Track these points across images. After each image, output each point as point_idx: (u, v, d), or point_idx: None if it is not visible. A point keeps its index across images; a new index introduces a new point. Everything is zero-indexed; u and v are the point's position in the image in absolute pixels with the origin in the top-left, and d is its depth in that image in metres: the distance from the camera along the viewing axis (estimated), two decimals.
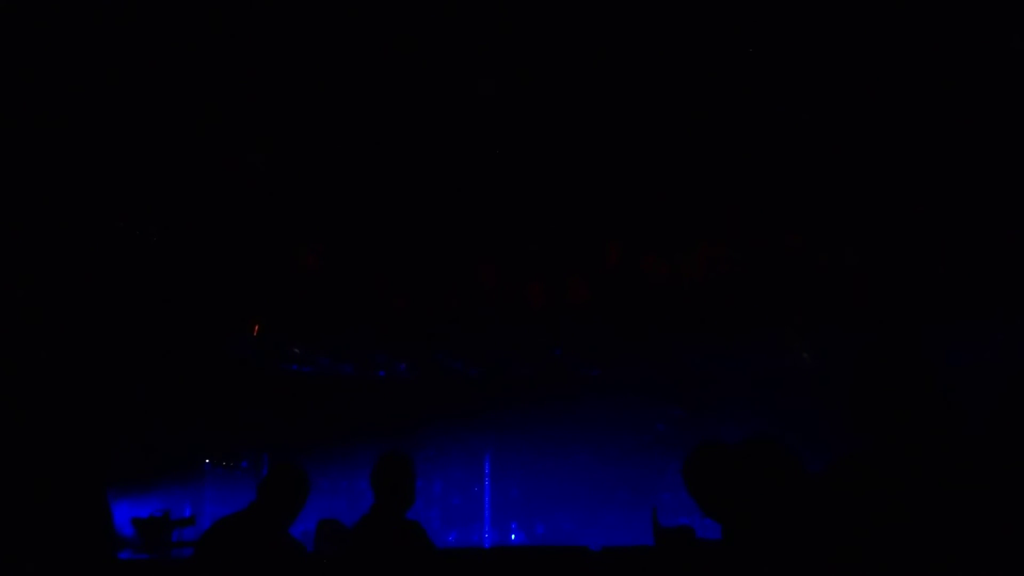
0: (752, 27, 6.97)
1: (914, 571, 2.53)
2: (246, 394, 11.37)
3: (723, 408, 11.32)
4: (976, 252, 9.00)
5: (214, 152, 8.02)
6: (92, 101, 6.92)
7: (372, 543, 4.08)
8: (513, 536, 12.37)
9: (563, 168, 8.62)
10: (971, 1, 6.62)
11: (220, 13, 6.58)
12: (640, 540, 7.58)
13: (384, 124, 7.84)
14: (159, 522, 7.45)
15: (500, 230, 9.52)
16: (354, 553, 4.21)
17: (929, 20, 6.73)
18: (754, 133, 8.15)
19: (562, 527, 12.24)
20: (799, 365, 11.24)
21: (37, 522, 3.66)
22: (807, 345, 10.86)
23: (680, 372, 12.24)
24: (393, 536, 4.12)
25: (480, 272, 10.08)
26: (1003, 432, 2.94)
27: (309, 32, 6.88)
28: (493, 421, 12.42)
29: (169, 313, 9.49)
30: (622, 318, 10.54)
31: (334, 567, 4.79)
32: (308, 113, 7.65)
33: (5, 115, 6.48)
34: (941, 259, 9.19)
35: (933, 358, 2.93)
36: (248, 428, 11.61)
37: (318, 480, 12.26)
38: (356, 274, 9.91)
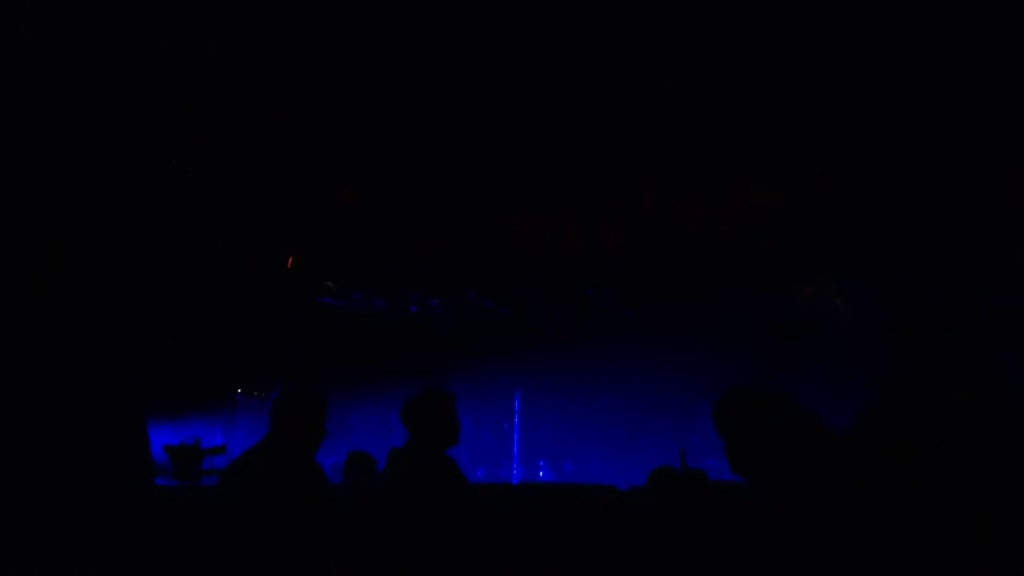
0: None
1: (937, 536, 2.63)
2: (280, 328, 11.55)
3: (755, 353, 11.38)
4: (1011, 202, 8.96)
5: (257, 96, 8.13)
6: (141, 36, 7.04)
7: (406, 476, 4.20)
8: (541, 474, 12.58)
9: (598, 113, 8.63)
10: None
11: None
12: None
13: (421, 74, 7.88)
14: (190, 449, 7.61)
15: (536, 173, 9.56)
16: (386, 484, 4.34)
17: None
18: (788, 76, 8.11)
19: (590, 467, 12.42)
20: (832, 312, 11.27)
21: (79, 447, 3.79)
22: (840, 292, 10.88)
23: (713, 316, 12.29)
24: (428, 470, 4.24)
25: (515, 214, 10.14)
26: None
27: None
28: (524, 360, 12.55)
29: (210, 245, 9.66)
30: (656, 262, 10.59)
31: (363, 497, 4.89)
32: (347, 62, 7.71)
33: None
34: (974, 210, 9.16)
35: (964, 311, 2.99)
36: (280, 360, 11.81)
37: (348, 414, 12.61)
38: (392, 214, 10.01)
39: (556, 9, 6.91)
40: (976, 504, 2.63)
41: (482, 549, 4.09)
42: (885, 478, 2.79)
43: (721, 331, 12.20)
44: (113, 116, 7.23)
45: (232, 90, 7.75)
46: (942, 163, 8.60)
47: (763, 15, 6.94)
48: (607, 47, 7.48)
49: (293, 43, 7.18)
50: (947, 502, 2.66)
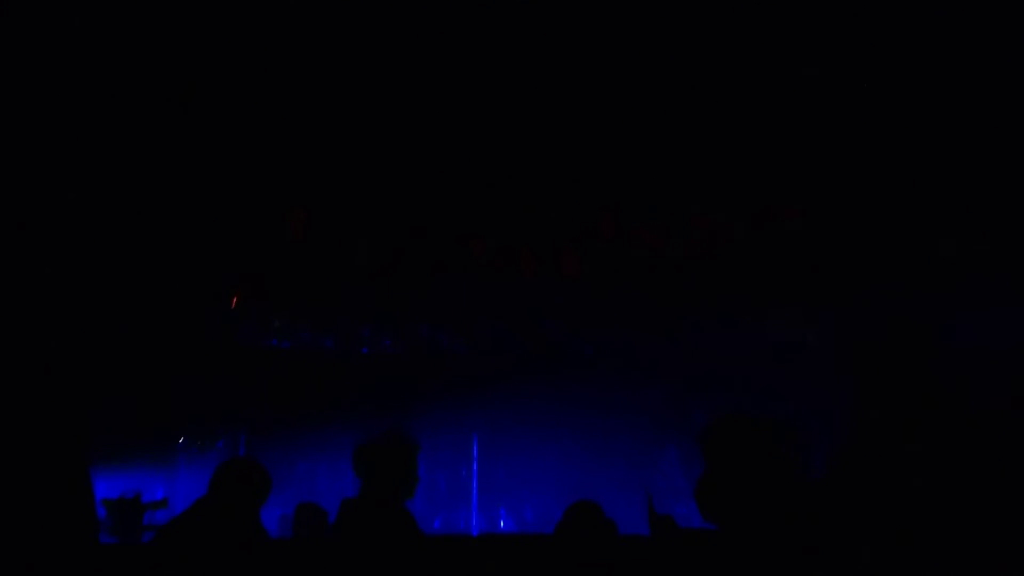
0: None
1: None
2: (223, 371, 11.35)
3: (721, 387, 11.36)
4: (979, 226, 9.09)
5: (190, 113, 8.00)
6: (65, 63, 6.91)
7: (359, 529, 4.08)
8: (502, 523, 12.42)
9: (556, 136, 8.62)
10: None
11: None
12: (634, 527, 7.62)
13: (373, 88, 7.82)
14: (130, 504, 7.44)
15: (491, 198, 9.51)
16: (337, 538, 4.22)
17: None
18: (752, 100, 8.16)
19: (552, 514, 12.28)
20: (798, 342, 11.29)
21: (21, 504, 3.65)
22: (807, 321, 10.91)
23: (676, 349, 12.26)
24: (382, 523, 4.12)
25: (469, 240, 10.07)
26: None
27: None
28: (481, 399, 12.42)
29: (143, 286, 9.46)
30: (615, 291, 10.57)
31: (313, 552, 4.79)
32: (296, 75, 7.63)
33: None
34: (941, 234, 9.27)
35: (934, 339, 3.00)
36: (224, 407, 11.60)
37: (297, 462, 12.39)
38: (340, 243, 9.89)
39: (510, 32, 6.89)
40: (954, 542, 2.68)
41: None
42: (860, 533, 2.82)
43: (690, 362, 12.18)
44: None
45: (160, 101, 7.62)
46: (911, 186, 8.69)
47: (728, 37, 6.98)
48: (564, 69, 7.48)
49: (231, 53, 7.09)
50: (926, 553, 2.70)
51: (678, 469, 11.98)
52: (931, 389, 2.95)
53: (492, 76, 7.62)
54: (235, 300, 10.60)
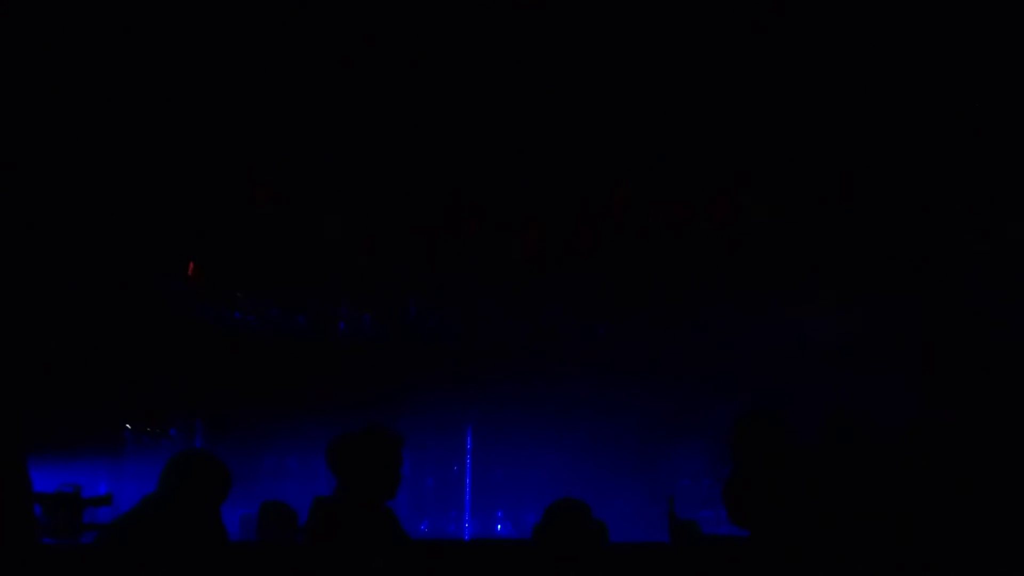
0: None
1: None
2: (177, 349, 11.35)
3: (747, 382, 11.39)
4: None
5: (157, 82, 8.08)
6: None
7: (333, 531, 4.08)
8: (499, 527, 12.47)
9: (564, 97, 8.60)
10: None
11: None
12: (650, 534, 7.64)
13: (352, 47, 7.85)
14: (68, 499, 7.46)
15: (488, 165, 9.49)
16: (309, 542, 4.23)
17: None
18: (791, 64, 8.18)
19: None
20: (832, 333, 11.32)
21: None
22: (843, 310, 10.93)
23: (702, 338, 12.27)
24: (360, 525, 4.12)
25: (464, 213, 10.06)
26: None
27: None
28: (475, 389, 12.44)
29: (87, 248, 9.46)
30: (628, 273, 10.58)
31: (280, 558, 4.81)
32: (268, 40, 7.68)
33: None
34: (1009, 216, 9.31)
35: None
36: (179, 390, 11.60)
37: (262, 457, 12.43)
38: (312, 210, 9.88)
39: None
40: None
41: None
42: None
43: (712, 355, 12.18)
44: None
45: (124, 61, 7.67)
46: (952, 159, 8.73)
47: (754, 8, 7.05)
48: (579, 33, 7.50)
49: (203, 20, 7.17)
50: None
51: (701, 470, 12.01)
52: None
53: (489, 33, 7.64)
54: (192, 268, 10.59)
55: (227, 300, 11.75)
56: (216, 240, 10.18)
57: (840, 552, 3.40)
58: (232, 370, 11.77)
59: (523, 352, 12.65)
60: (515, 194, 9.88)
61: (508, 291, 11.47)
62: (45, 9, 7.05)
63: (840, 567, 3.37)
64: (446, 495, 13.00)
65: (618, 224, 10.09)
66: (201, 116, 8.57)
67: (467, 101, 8.65)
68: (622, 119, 8.85)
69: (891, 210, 9.43)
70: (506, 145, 9.20)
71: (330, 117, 8.75)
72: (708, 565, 4.46)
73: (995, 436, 3.46)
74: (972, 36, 7.56)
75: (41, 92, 7.77)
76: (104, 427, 11.24)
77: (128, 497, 9.44)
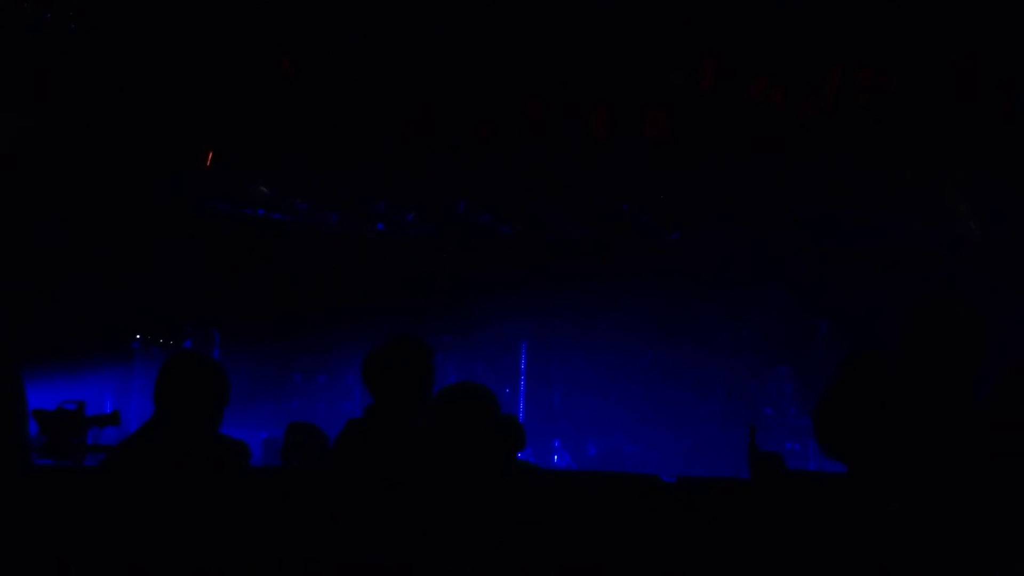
0: None
1: None
2: (192, 250, 11.41)
3: (859, 295, 11.34)
4: None
5: None
6: None
7: (366, 456, 4.12)
8: (556, 458, 12.59)
9: None
10: None
11: None
12: (728, 469, 7.69)
13: None
14: (70, 417, 7.61)
15: (555, 41, 9.41)
16: (338, 468, 4.28)
17: None
18: None
19: (622, 448, 12.42)
20: (958, 235, 11.19)
21: None
22: (972, 208, 10.80)
23: (795, 241, 12.20)
24: (395, 448, 4.15)
25: (527, 96, 10.01)
26: None
27: None
28: (532, 300, 12.47)
29: (95, 139, 9.52)
30: (715, 163, 10.49)
31: (306, 485, 4.87)
32: None
33: None
34: None
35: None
36: (194, 297, 11.72)
37: (288, 372, 12.58)
38: (346, 89, 9.85)
39: None
40: None
41: (471, 559, 4.05)
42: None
43: (806, 265, 12.10)
44: None
45: None
46: None
47: None
48: None
49: None
50: None
51: (789, 398, 12.00)
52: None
53: None
54: (209, 158, 10.63)
55: (249, 194, 11.79)
56: (237, 118, 10.16)
57: (962, 505, 3.25)
58: (255, 275, 11.84)
59: (585, 258, 12.63)
60: (584, 71, 9.79)
61: (570, 184, 11.42)
62: None
63: (958, 521, 3.23)
64: None
65: (702, 105, 9.98)
66: None
67: None
68: None
69: None
70: (574, 16, 9.11)
71: None
72: (792, 506, 4.46)
73: None
74: None
75: None
76: (111, 338, 11.43)
77: (136, 416, 9.66)
